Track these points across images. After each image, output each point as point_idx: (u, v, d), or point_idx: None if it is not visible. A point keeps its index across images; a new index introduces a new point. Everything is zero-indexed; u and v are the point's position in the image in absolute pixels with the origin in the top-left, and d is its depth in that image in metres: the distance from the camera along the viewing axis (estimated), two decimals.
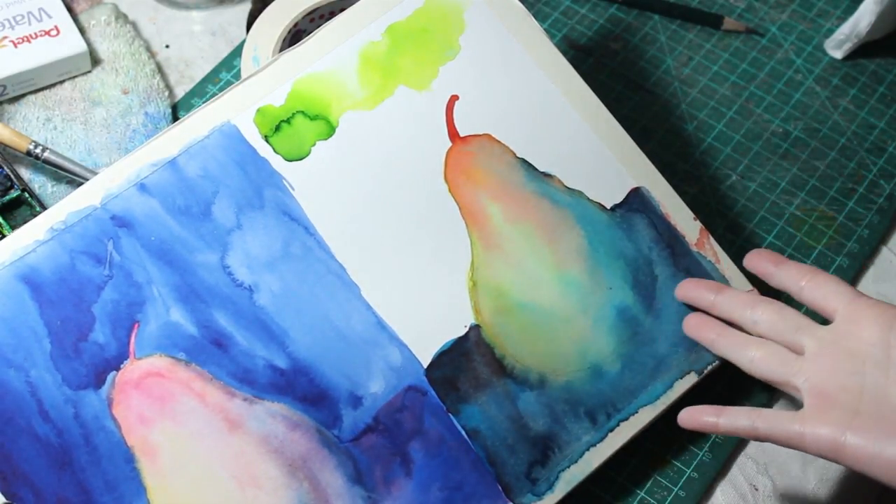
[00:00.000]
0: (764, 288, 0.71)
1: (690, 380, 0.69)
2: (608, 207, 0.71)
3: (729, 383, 0.74)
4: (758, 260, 0.68)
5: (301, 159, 0.69)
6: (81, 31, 0.83)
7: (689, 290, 0.70)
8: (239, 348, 0.65)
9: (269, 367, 0.65)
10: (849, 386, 0.62)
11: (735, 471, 0.72)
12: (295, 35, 0.78)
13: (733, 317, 0.68)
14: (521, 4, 0.74)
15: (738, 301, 0.67)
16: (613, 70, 0.87)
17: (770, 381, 0.65)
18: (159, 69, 0.84)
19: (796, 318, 0.65)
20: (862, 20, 0.86)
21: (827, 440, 0.60)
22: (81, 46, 0.80)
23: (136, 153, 0.67)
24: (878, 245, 0.81)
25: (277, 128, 0.69)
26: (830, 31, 0.90)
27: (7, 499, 0.61)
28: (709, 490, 0.71)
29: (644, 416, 0.68)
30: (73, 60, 0.80)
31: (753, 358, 0.65)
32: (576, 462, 0.67)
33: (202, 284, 0.66)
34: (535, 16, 0.87)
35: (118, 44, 0.83)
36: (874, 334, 0.62)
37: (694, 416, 0.66)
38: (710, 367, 0.70)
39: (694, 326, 0.69)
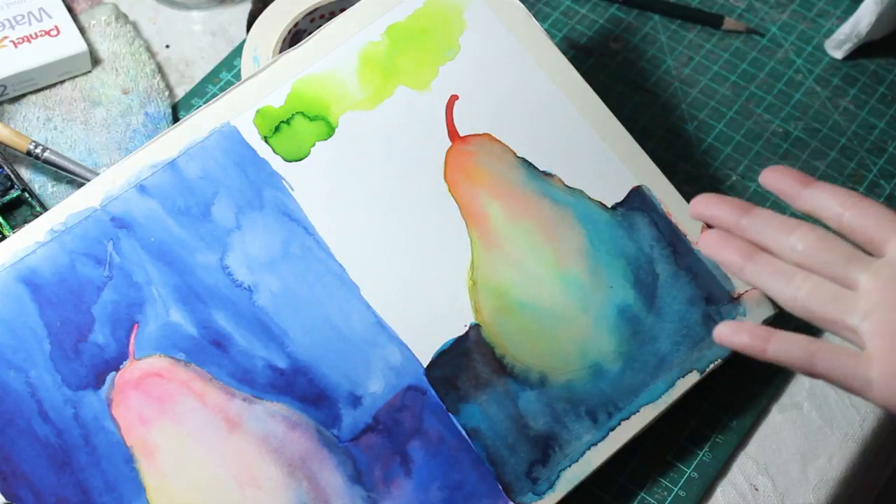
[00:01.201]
0: None
1: (692, 378, 0.69)
2: (609, 206, 0.71)
3: (730, 383, 0.74)
4: (779, 177, 0.55)
5: (301, 160, 0.69)
6: (81, 31, 0.83)
7: (706, 205, 0.56)
8: (238, 348, 0.65)
9: (268, 367, 0.65)
10: None
11: (735, 471, 0.72)
12: (295, 35, 0.78)
13: (766, 242, 0.55)
14: (521, 4, 0.74)
15: (774, 223, 0.55)
16: (613, 70, 0.87)
17: (819, 319, 0.54)
18: (159, 69, 0.84)
19: (845, 247, 0.54)
20: (862, 20, 0.86)
21: None
22: (81, 46, 0.80)
23: (135, 154, 0.67)
24: None
25: (277, 128, 0.69)
26: (831, 31, 0.90)
27: (7, 499, 0.61)
28: (709, 490, 0.71)
29: (646, 415, 0.68)
30: (73, 60, 0.80)
31: (799, 291, 0.54)
32: (577, 461, 0.67)
33: (202, 285, 0.66)
34: (536, 16, 0.87)
35: (118, 44, 0.83)
36: None
37: (737, 333, 0.55)
38: (712, 366, 0.69)
39: (713, 245, 0.56)
